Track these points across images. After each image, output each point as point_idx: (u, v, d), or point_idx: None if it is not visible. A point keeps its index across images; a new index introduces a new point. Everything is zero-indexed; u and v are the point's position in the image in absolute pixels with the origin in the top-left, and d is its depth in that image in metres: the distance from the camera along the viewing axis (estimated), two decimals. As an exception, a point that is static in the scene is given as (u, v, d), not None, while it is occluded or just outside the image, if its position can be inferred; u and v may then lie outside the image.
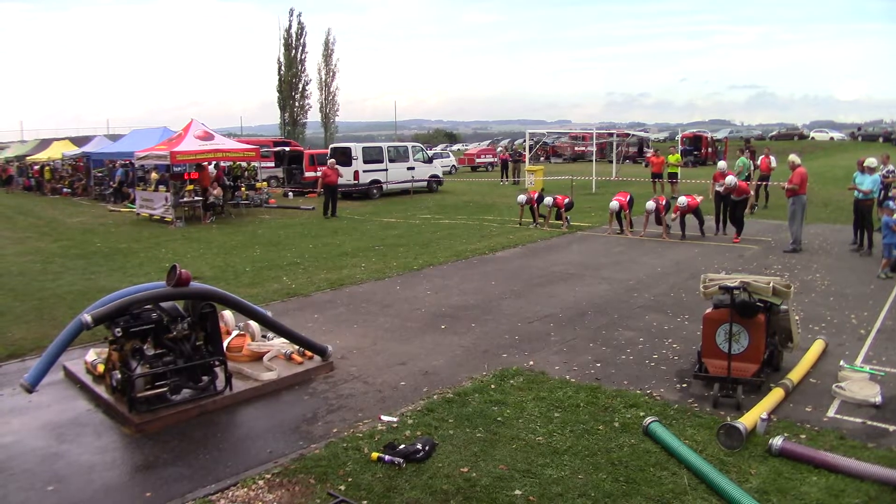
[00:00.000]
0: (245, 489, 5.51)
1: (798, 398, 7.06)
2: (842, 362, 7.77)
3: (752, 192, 18.69)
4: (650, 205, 17.56)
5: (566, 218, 19.66)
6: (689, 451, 5.73)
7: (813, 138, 75.08)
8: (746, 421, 6.15)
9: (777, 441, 5.80)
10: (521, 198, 20.25)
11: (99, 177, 34.13)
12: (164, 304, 7.29)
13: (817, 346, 8.28)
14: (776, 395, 6.85)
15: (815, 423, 6.49)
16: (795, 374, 7.39)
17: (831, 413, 6.74)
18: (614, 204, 18.02)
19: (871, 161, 14.97)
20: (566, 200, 19.82)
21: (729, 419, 6.34)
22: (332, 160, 25.80)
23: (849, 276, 12.71)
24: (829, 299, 11.01)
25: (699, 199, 17.71)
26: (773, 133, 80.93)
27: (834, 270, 13.17)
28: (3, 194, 41.10)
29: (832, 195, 25.04)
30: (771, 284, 7.24)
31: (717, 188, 17.56)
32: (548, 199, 19.80)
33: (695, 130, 59.98)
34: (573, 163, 52.13)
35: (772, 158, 23.21)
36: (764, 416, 6.29)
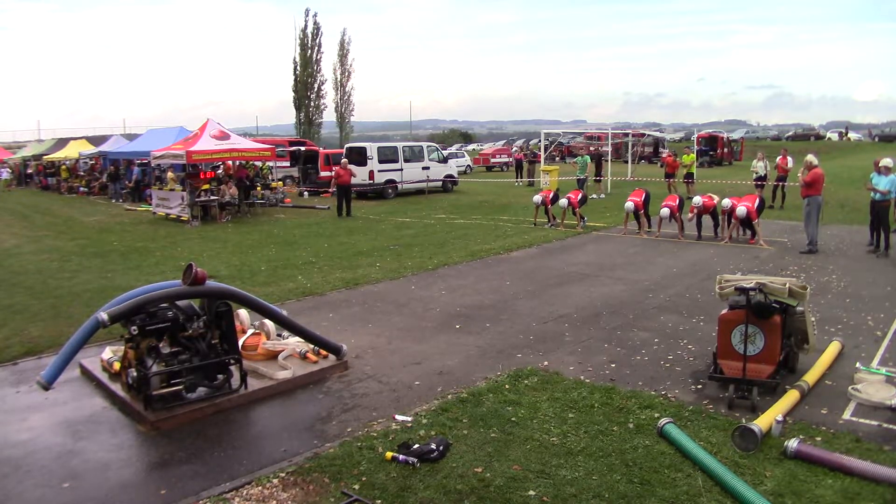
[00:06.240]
0: (260, 487, 5.53)
1: (814, 400, 7.01)
2: (858, 364, 7.71)
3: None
4: (664, 212, 17.47)
5: (582, 217, 19.63)
6: (704, 452, 5.71)
7: (829, 138, 74.83)
8: (762, 423, 6.13)
9: (792, 443, 5.77)
10: (537, 198, 20.25)
11: (115, 174, 34.43)
12: (179, 303, 7.32)
13: (833, 348, 8.22)
14: (792, 396, 6.82)
15: (831, 425, 6.45)
16: (811, 376, 7.35)
17: (847, 415, 6.69)
18: (629, 205, 17.95)
19: (886, 161, 14.86)
20: (579, 196, 19.83)
21: (744, 421, 6.31)
22: (345, 160, 25.80)
23: (865, 277, 12.61)
24: (846, 301, 10.94)
25: (715, 199, 17.63)
26: (790, 133, 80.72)
27: (850, 272, 13.07)
28: (21, 193, 41.46)
29: (849, 196, 24.87)
30: (787, 285, 7.20)
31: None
32: (562, 201, 19.76)
33: (710, 131, 59.80)
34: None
35: (789, 159, 23.10)
36: (779, 418, 6.26)
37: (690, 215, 17.57)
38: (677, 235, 17.42)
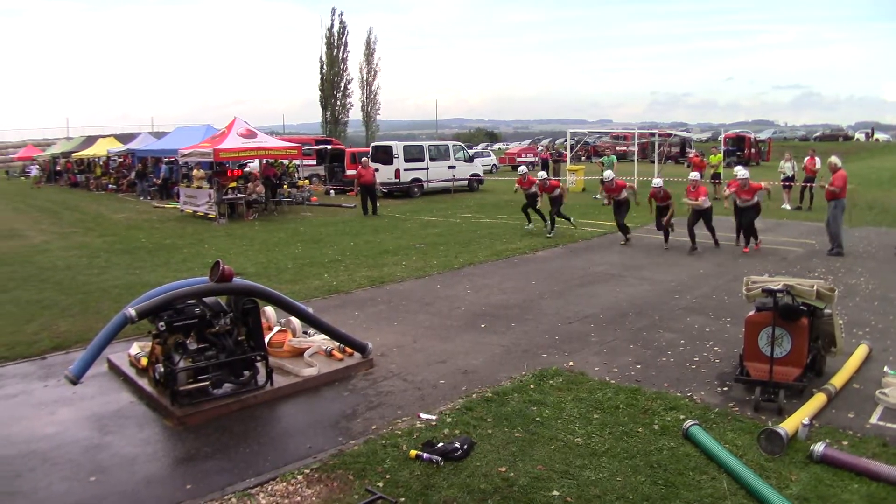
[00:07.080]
0: (284, 483, 5.57)
1: (840, 404, 6.94)
2: (886, 368, 7.63)
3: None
4: (657, 181, 16.52)
5: (568, 219, 18.86)
6: (730, 455, 5.68)
7: (857, 139, 74.07)
8: (788, 426, 6.08)
9: (818, 447, 5.72)
10: (522, 168, 19.75)
11: (142, 172, 34.77)
12: (207, 300, 7.37)
13: (861, 352, 8.14)
14: (818, 400, 6.75)
15: (858, 429, 6.38)
16: (838, 380, 7.27)
17: (874, 420, 6.62)
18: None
19: None
20: (557, 190, 18.59)
21: (770, 424, 6.27)
22: (366, 159, 25.83)
23: (894, 279, 12.45)
24: (874, 303, 10.81)
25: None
26: (818, 134, 79.91)
27: (878, 274, 12.92)
28: (50, 190, 41.96)
29: (877, 197, 24.57)
30: (815, 288, 7.13)
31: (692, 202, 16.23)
32: (541, 174, 19.18)
33: (738, 131, 59.38)
34: (614, 163, 51.74)
35: (817, 160, 22.87)
36: (806, 421, 6.20)
37: (690, 201, 16.53)
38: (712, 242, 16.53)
